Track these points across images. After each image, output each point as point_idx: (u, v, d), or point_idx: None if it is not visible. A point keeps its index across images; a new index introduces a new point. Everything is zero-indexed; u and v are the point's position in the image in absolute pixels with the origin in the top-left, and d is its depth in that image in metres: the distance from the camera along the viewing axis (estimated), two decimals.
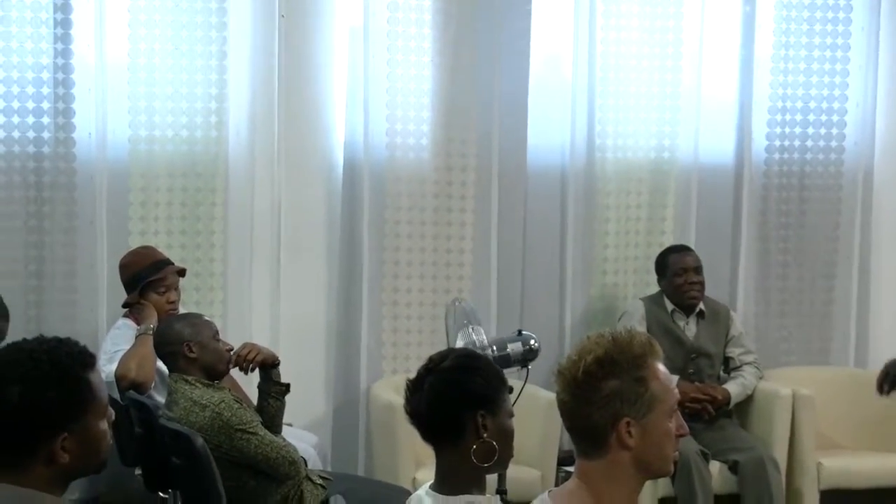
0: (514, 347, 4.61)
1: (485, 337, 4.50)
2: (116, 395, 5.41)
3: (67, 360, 2.67)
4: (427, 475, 3.50)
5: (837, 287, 7.46)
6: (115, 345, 5.72)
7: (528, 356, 4.73)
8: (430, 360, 3.38)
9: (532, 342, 4.71)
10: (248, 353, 5.27)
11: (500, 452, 3.26)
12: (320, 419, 6.59)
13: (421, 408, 3.29)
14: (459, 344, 4.60)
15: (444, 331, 4.85)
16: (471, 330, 4.50)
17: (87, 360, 2.72)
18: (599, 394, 2.71)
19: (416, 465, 6.03)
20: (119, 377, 5.52)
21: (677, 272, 6.69)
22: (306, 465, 5.22)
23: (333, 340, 6.65)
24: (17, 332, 5.19)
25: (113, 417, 2.82)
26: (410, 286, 6.80)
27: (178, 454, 4.93)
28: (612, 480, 2.76)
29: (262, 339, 6.04)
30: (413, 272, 6.80)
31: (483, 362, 3.42)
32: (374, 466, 6.48)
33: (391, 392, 6.30)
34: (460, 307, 4.73)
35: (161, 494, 5.58)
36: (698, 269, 6.71)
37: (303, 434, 6.07)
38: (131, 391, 5.52)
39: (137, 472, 5.71)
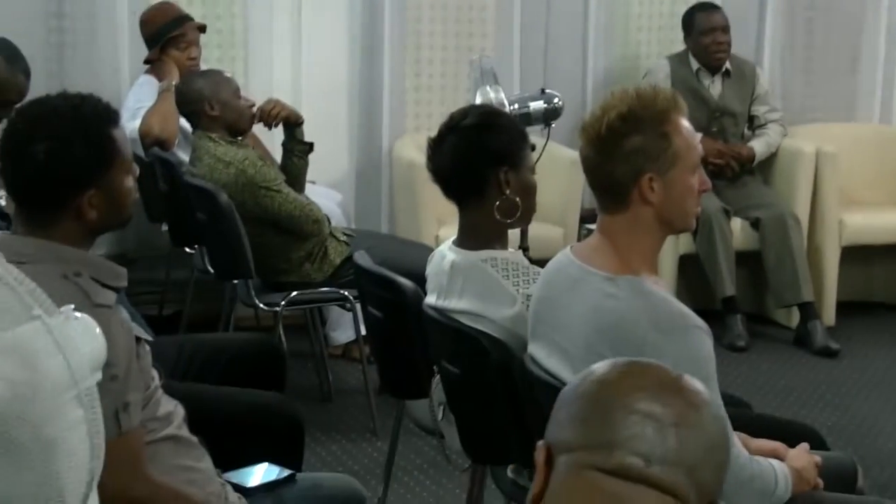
0: (537, 106, 4.59)
1: (503, 95, 4.47)
2: (140, 152, 5.43)
3: (92, 117, 2.67)
4: (449, 233, 3.53)
5: (864, 42, 7.36)
6: (137, 101, 5.72)
7: (550, 115, 4.71)
8: (451, 117, 3.37)
9: (556, 101, 4.68)
10: (273, 107, 5.26)
11: (523, 207, 3.28)
12: (343, 177, 6.61)
13: (443, 165, 3.30)
14: (478, 103, 4.58)
15: (466, 88, 4.82)
16: (489, 89, 4.47)
17: (111, 116, 2.72)
18: (622, 149, 2.71)
19: (438, 223, 6.08)
20: (142, 134, 5.54)
21: (704, 31, 6.60)
22: (330, 223, 5.26)
23: (356, 98, 6.62)
24: (39, 88, 5.17)
25: (138, 174, 2.83)
26: (433, 43, 6.73)
27: (203, 210, 4.98)
28: (633, 235, 2.78)
29: (285, 97, 6.00)
30: (436, 29, 6.72)
31: (504, 119, 3.42)
32: (396, 224, 6.53)
33: (413, 150, 6.31)
34: (481, 64, 4.69)
35: (187, 250, 5.66)
36: (726, 29, 6.62)
37: (326, 192, 6.10)
38: (155, 148, 5.54)
39: (164, 228, 5.78)
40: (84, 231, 2.71)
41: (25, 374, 2.02)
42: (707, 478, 1.58)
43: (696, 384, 1.63)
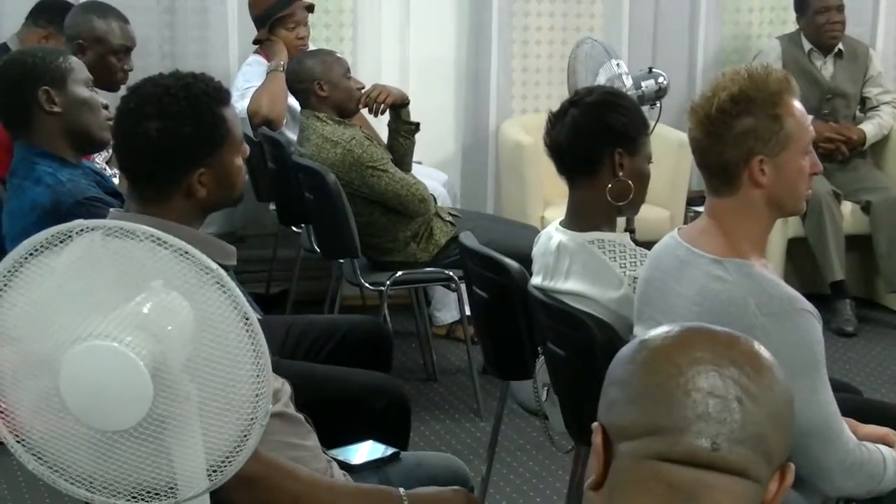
0: (649, 84, 4.56)
1: (627, 70, 4.44)
2: (249, 132, 5.47)
3: (203, 96, 2.70)
4: (555, 214, 3.53)
5: None
6: (246, 81, 5.76)
7: (658, 94, 4.68)
8: (576, 93, 3.37)
9: (661, 80, 4.65)
10: (378, 94, 5.28)
11: (634, 194, 3.26)
12: (449, 157, 6.62)
13: (560, 140, 3.29)
14: (601, 79, 4.56)
15: (579, 69, 4.80)
16: (615, 64, 4.44)
17: (222, 95, 2.75)
18: (733, 131, 2.68)
19: (544, 205, 6.06)
20: (251, 113, 5.59)
21: (819, 10, 6.49)
22: (436, 203, 5.27)
23: (463, 78, 6.62)
24: (152, 68, 5.24)
25: (248, 153, 2.86)
26: (541, 24, 6.70)
27: (311, 190, 5.01)
28: (743, 218, 2.75)
29: (392, 77, 6.04)
30: (543, 9, 6.69)
31: (628, 101, 3.40)
32: (502, 205, 6.52)
33: (520, 131, 6.30)
34: (590, 46, 4.66)
35: (294, 229, 5.71)
36: (840, 8, 6.51)
37: (432, 172, 6.11)
38: (263, 127, 5.59)
39: (271, 207, 5.83)
40: (195, 209, 2.75)
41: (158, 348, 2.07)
42: (775, 444, 1.51)
43: (755, 345, 1.55)
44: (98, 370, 2.08)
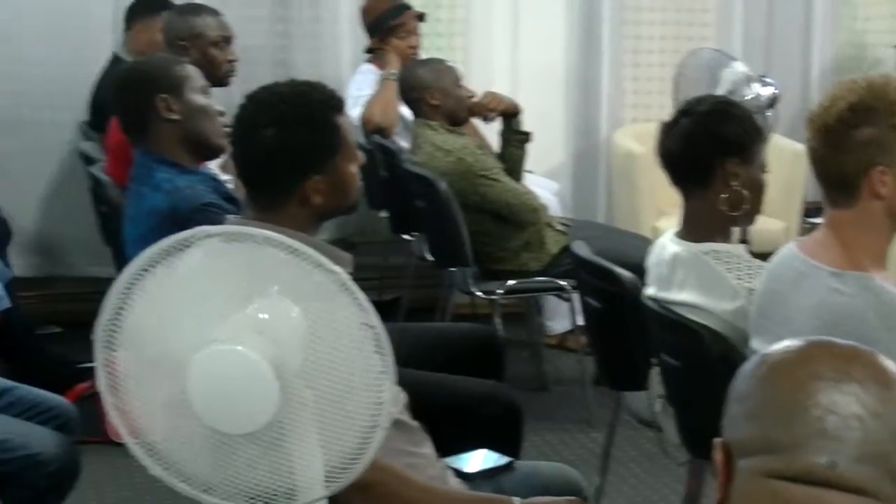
0: (765, 93, 4.52)
1: (746, 70, 4.41)
2: (361, 140, 5.50)
3: (318, 104, 2.72)
4: (668, 224, 3.50)
5: None
6: (358, 90, 5.80)
7: (770, 103, 4.64)
8: (688, 103, 3.34)
9: (772, 88, 4.61)
10: (490, 102, 5.28)
11: (749, 204, 3.22)
12: (560, 166, 6.60)
13: (672, 150, 3.26)
14: (724, 88, 4.53)
15: (691, 77, 4.77)
16: (738, 65, 4.40)
17: (336, 103, 2.77)
18: (852, 141, 2.64)
19: (656, 214, 6.03)
20: (364, 121, 5.62)
21: None
22: (547, 212, 5.26)
23: (573, 87, 6.60)
24: (265, 76, 5.29)
25: (363, 161, 2.88)
26: (652, 33, 6.67)
27: (423, 198, 5.03)
28: (862, 230, 2.71)
29: (503, 85, 6.03)
30: (655, 18, 6.66)
31: (740, 109, 3.36)
32: (613, 214, 6.49)
33: (632, 140, 6.27)
34: (707, 54, 4.63)
35: (406, 237, 5.72)
36: None
37: (543, 181, 6.10)
38: (376, 135, 5.62)
39: (383, 214, 5.86)
40: (310, 216, 2.77)
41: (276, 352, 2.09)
42: None
43: (879, 360, 1.49)
44: (226, 374, 2.10)
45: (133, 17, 5.65)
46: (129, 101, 3.60)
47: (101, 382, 2.19)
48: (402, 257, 5.98)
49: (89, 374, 4.91)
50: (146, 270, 2.20)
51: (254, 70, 5.07)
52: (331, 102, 2.75)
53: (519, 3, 6.46)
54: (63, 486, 3.32)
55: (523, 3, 6.47)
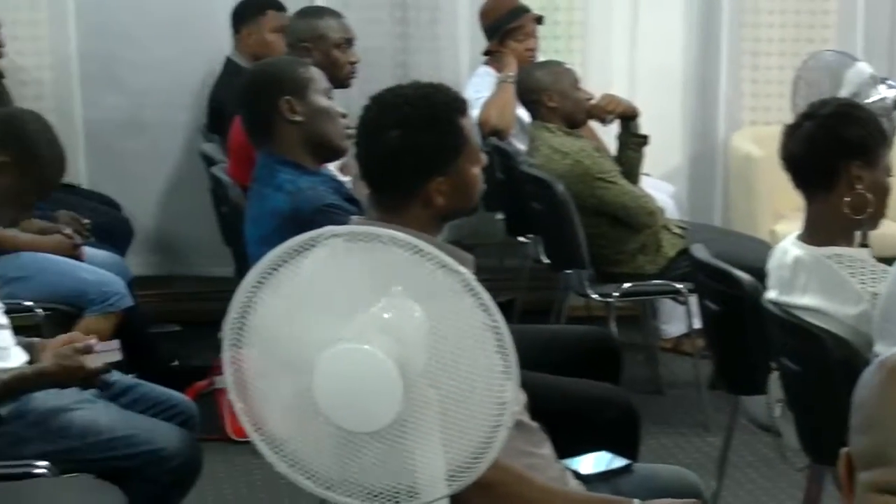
0: (891, 95, 4.47)
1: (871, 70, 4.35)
2: (479, 142, 5.52)
3: (442, 105, 2.74)
4: (787, 228, 3.47)
5: None
6: (476, 92, 5.82)
7: (895, 105, 4.58)
8: (811, 105, 3.32)
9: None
10: (608, 103, 5.28)
11: (874, 207, 3.19)
12: (677, 169, 6.56)
13: (796, 153, 3.24)
14: (847, 90, 4.48)
15: (811, 79, 4.72)
16: (862, 66, 4.35)
17: (460, 105, 2.79)
18: None
19: (774, 218, 5.97)
20: (481, 123, 5.64)
21: None
22: (663, 215, 5.24)
23: (691, 88, 6.56)
24: (384, 78, 5.36)
25: (485, 162, 2.89)
26: (772, 35, 6.60)
27: (539, 200, 5.03)
28: None
29: (620, 87, 6.02)
30: (774, 20, 6.59)
31: (864, 112, 3.33)
32: (731, 217, 6.43)
33: (750, 143, 6.21)
34: (829, 56, 4.58)
35: (522, 239, 5.73)
36: None
37: (660, 184, 6.07)
38: (492, 137, 5.64)
39: (499, 216, 5.87)
40: (433, 218, 2.79)
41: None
42: None
43: None
44: (351, 372, 2.12)
45: (240, 20, 5.73)
46: (253, 103, 3.65)
47: (228, 380, 2.22)
48: (517, 259, 5.98)
49: (207, 372, 5.00)
50: (273, 270, 2.23)
51: (373, 72, 5.12)
52: (455, 104, 2.77)
53: (637, 5, 6.44)
54: (186, 482, 3.37)
55: (642, 5, 6.44)
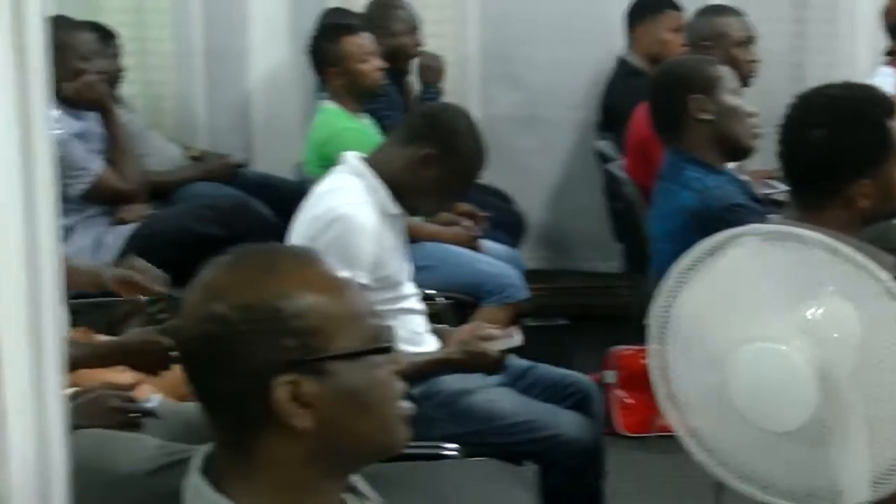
0: None
1: None
2: None
3: (870, 107, 2.70)
4: None
5: None
6: None
7: None
8: None
9: None
10: None
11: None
12: None
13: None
14: None
15: None
16: None
17: (889, 107, 2.73)
18: None
19: None
20: None
21: None
22: None
23: None
24: (780, 77, 5.31)
25: None
26: None
27: None
28: None
29: None
30: None
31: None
32: None
33: None
34: None
35: None
36: None
37: None
38: None
39: None
40: (853, 219, 2.73)
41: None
42: None
43: None
44: (765, 371, 2.13)
45: (635, 19, 5.73)
46: (662, 101, 3.67)
47: (653, 373, 2.26)
48: None
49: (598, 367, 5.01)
50: (692, 267, 2.26)
51: (768, 70, 5.05)
52: (883, 105, 2.72)
53: None
54: (592, 468, 3.33)
55: None
